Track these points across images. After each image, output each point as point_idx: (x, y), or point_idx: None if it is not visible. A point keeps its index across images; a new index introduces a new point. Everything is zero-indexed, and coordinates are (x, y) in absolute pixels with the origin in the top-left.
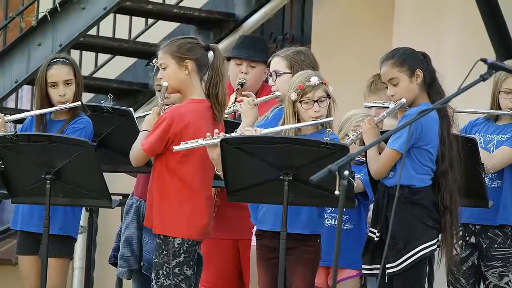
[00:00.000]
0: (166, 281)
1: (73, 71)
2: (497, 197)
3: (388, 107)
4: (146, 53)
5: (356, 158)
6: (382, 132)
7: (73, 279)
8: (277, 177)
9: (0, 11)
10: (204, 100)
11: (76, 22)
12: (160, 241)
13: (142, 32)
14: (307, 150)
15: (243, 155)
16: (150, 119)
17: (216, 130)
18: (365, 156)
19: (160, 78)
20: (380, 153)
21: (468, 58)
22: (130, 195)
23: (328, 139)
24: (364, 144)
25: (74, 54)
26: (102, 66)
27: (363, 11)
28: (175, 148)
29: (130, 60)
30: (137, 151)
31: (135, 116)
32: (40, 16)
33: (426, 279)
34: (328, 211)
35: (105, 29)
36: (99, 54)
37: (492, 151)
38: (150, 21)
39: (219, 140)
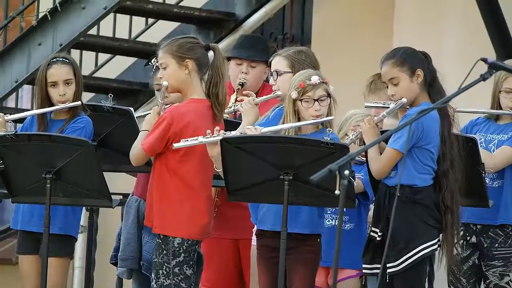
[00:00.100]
0: (166, 281)
1: (73, 70)
2: (498, 196)
3: (389, 107)
4: (146, 52)
5: (356, 158)
6: (382, 132)
7: (74, 279)
8: (277, 176)
9: (0, 11)
10: (204, 99)
11: (77, 21)
12: (160, 241)
13: (142, 32)
14: (307, 150)
15: (243, 154)
16: (150, 118)
17: (217, 128)
18: (366, 156)
19: (160, 77)
20: (381, 153)
21: (469, 57)
22: (130, 195)
23: (328, 139)
24: (364, 144)
25: (75, 53)
26: (102, 65)
27: (363, 11)
28: (175, 145)
29: (130, 60)
30: (137, 150)
31: (135, 116)
32: (40, 15)
33: (427, 279)
34: (329, 212)
35: (105, 29)
36: (99, 54)
37: (493, 150)
38: (150, 20)
39: (219, 138)
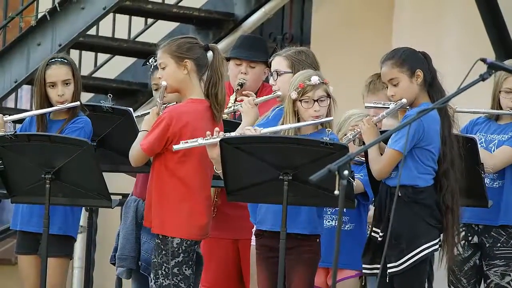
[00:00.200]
0: (165, 281)
1: (72, 71)
2: (498, 197)
3: (388, 108)
4: (145, 52)
5: (356, 158)
6: (381, 132)
7: (73, 279)
8: (276, 177)
9: (0, 11)
10: (203, 100)
11: (76, 22)
12: (159, 241)
13: (142, 32)
14: (307, 150)
15: (243, 155)
16: (149, 118)
17: (217, 129)
18: (365, 156)
19: (159, 77)
20: (381, 154)
21: (468, 58)
22: (130, 195)
23: (328, 139)
24: (363, 144)
25: (74, 54)
26: (101, 66)
27: (363, 11)
28: (175, 147)
29: (130, 60)
30: (136, 151)
31: (134, 116)
32: (39, 16)
33: (426, 279)
34: (329, 213)
35: (104, 29)
36: (99, 54)
37: (494, 150)
38: (150, 20)
39: (219, 139)
